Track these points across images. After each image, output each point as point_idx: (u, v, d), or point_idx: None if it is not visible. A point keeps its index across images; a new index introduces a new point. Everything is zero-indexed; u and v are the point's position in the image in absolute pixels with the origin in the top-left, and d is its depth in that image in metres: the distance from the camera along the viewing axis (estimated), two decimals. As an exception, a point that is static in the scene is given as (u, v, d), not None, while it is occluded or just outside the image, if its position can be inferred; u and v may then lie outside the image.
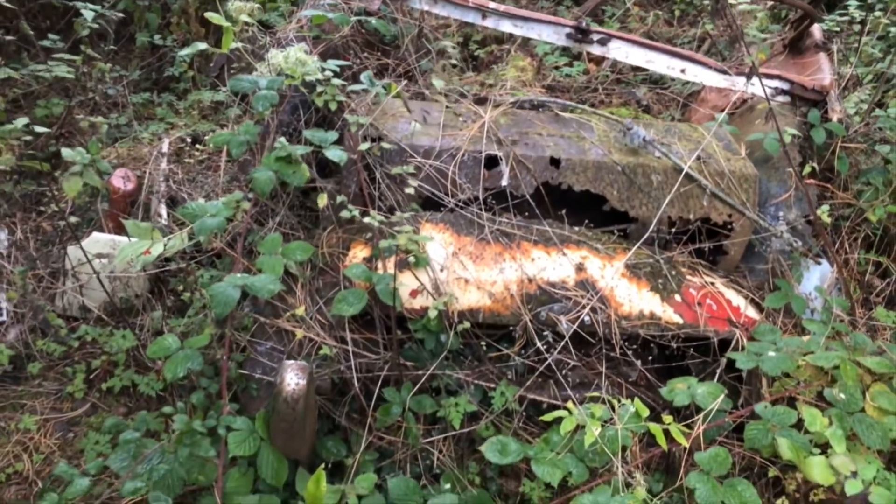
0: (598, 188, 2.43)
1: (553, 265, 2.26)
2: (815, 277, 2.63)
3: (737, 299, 2.48)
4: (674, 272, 2.40)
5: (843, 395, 2.08)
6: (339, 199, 2.19)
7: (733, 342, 2.33)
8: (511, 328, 2.23)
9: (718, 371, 2.32)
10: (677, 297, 2.34)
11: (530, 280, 2.23)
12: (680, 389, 2.11)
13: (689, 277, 2.43)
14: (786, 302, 2.47)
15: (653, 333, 2.29)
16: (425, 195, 2.32)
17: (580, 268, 2.27)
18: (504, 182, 2.34)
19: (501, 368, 2.26)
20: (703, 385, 2.11)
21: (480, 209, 2.29)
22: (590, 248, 2.33)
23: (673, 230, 2.47)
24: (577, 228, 2.41)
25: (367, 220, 2.03)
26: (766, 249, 2.56)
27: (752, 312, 2.47)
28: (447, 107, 2.64)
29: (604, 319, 2.24)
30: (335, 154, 2.14)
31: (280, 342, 2.16)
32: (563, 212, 2.37)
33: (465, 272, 2.21)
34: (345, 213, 2.15)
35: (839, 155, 2.90)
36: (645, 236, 2.37)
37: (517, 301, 2.22)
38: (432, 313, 2.15)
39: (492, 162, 2.40)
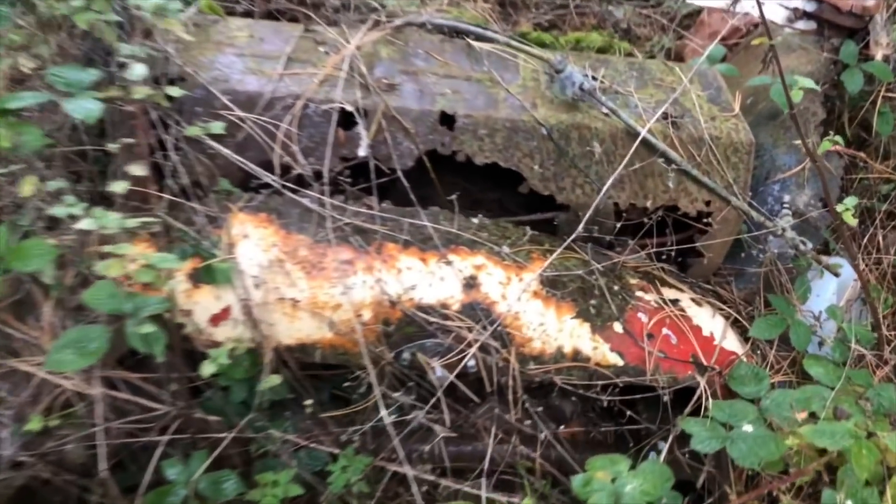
0: (511, 161, 1.67)
1: (430, 280, 1.54)
2: (829, 291, 1.89)
3: (709, 323, 1.75)
4: (616, 286, 1.67)
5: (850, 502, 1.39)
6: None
7: (696, 394, 1.63)
8: (360, 373, 1.54)
9: (668, 441, 1.63)
10: (617, 327, 1.62)
11: (393, 303, 1.51)
12: (600, 481, 1.42)
13: (639, 294, 1.70)
14: (781, 330, 1.74)
15: (574, 382, 1.58)
16: (242, 169, 1.58)
17: (471, 283, 1.55)
18: (362, 151, 1.59)
19: (349, 428, 1.59)
20: (638, 474, 1.42)
21: (323, 192, 1.55)
22: (489, 252, 1.60)
23: (620, 223, 1.72)
24: (474, 221, 1.67)
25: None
26: (760, 253, 1.81)
27: (731, 343, 1.75)
28: (306, 31, 1.85)
29: (501, 362, 1.54)
30: (79, 107, 1.39)
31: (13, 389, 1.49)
32: (455, 196, 1.62)
33: (293, 289, 1.50)
34: (116, 188, 1.43)
35: (881, 109, 2.08)
36: (576, 232, 1.62)
37: (371, 335, 1.51)
38: (237, 348, 1.46)
39: (351, 118, 1.64)
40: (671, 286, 1.78)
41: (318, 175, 1.57)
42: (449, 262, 1.55)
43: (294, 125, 1.59)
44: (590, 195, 1.69)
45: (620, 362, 1.61)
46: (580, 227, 1.61)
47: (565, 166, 1.67)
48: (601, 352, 1.60)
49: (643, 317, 1.66)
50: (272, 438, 1.54)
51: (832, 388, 1.64)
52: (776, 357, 1.78)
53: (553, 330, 1.58)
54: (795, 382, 1.75)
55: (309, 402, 1.51)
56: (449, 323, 1.52)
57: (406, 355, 1.51)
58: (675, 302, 1.73)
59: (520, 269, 1.60)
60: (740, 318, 1.83)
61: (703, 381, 1.62)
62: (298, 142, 1.60)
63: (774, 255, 1.80)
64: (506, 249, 1.61)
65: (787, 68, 1.93)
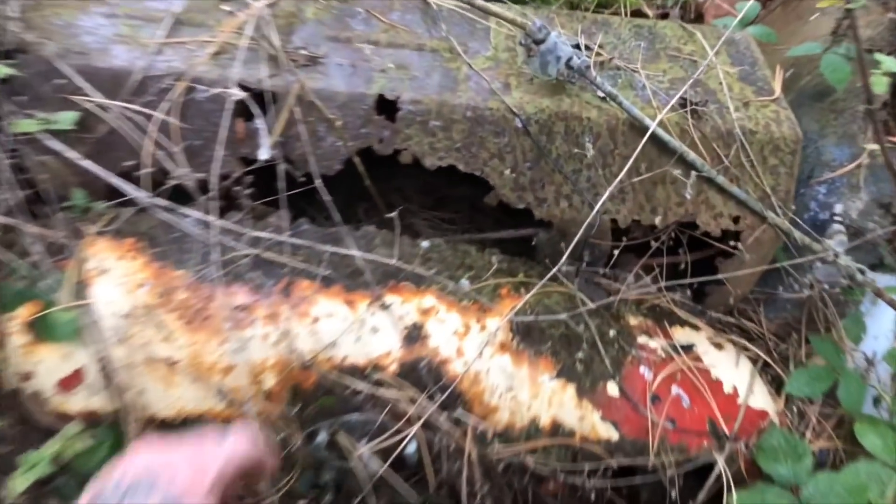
0: (475, 163, 1.24)
1: (358, 332, 1.13)
2: (887, 329, 1.48)
3: (732, 375, 1.35)
4: (612, 331, 1.27)
5: None
6: None
7: (713, 475, 1.24)
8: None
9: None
10: (612, 388, 1.22)
11: (306, 365, 1.11)
12: None
13: (641, 340, 1.30)
14: (827, 386, 1.34)
15: (554, 466, 1.20)
16: (102, 178, 1.16)
17: (415, 335, 1.15)
18: (263, 152, 1.16)
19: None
20: None
21: (209, 210, 1.14)
22: (442, 290, 1.19)
23: (621, 244, 1.31)
24: (423, 245, 1.25)
25: None
26: (799, 284, 1.39)
27: (760, 399, 1.36)
28: (209, -17, 1.40)
29: (452, 444, 1.15)
30: None
31: None
32: (397, 213, 1.21)
33: (168, 346, 1.10)
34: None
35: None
36: (562, 261, 1.21)
37: (275, 407, 1.12)
38: (95, 422, 1.08)
39: (255, 105, 1.21)
40: (684, 324, 1.38)
41: (204, 186, 1.15)
42: (385, 306, 1.14)
43: (175, 115, 1.17)
44: (579, 209, 1.27)
45: (615, 436, 1.22)
46: (566, 256, 1.20)
47: (547, 170, 1.25)
48: (589, 423, 1.21)
49: (646, 372, 1.26)
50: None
51: (894, 468, 1.26)
52: (818, 420, 1.38)
53: (525, 395, 1.18)
54: (843, 452, 1.36)
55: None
56: (383, 392, 1.12)
57: (322, 436, 1.12)
58: (688, 349, 1.33)
59: (483, 312, 1.19)
60: (771, 362, 1.43)
61: (721, 460, 1.23)
62: (181, 139, 1.17)
63: (820, 280, 1.39)
64: (465, 285, 1.20)
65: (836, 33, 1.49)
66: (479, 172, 1.24)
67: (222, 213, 1.15)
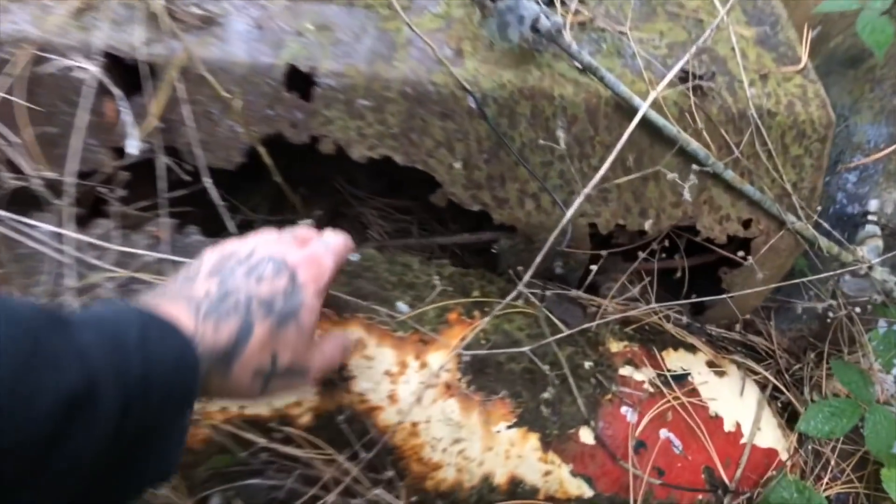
0: (416, 155, 0.98)
1: None
2: (923, 350, 1.24)
3: (734, 408, 1.12)
4: (589, 362, 1.02)
5: None
6: None
7: (710, 542, 1.02)
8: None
9: None
10: (586, 435, 0.99)
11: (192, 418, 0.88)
12: None
13: (624, 372, 1.05)
14: (851, 425, 1.10)
15: (510, 532, 0.97)
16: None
17: (333, 377, 0.90)
18: (132, 144, 0.89)
19: None
20: None
21: (62, 220, 0.88)
22: (369, 319, 0.94)
23: (604, 255, 1.05)
24: (351, 258, 1.00)
25: None
26: (820, 298, 1.14)
27: (768, 435, 1.12)
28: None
29: (382, 511, 0.92)
30: None
31: None
32: (313, 219, 0.95)
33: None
34: None
35: None
36: (525, 278, 0.95)
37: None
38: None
39: (131, 77, 0.93)
40: (678, 346, 1.13)
41: (56, 188, 0.89)
42: None
43: (19, 94, 0.90)
44: (549, 212, 1.01)
45: (588, 492, 0.99)
46: (530, 272, 0.94)
47: (508, 164, 0.98)
48: (557, 478, 0.98)
49: (630, 413, 1.02)
50: None
51: (929, 530, 1.03)
52: (841, 450, 1.15)
53: (476, 449, 0.95)
54: (864, 497, 1.14)
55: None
56: (291, 450, 0.88)
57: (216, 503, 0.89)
58: (682, 379, 1.09)
59: (424, 344, 0.94)
60: (782, 387, 1.20)
61: None
62: (28, 124, 0.91)
63: (848, 295, 1.14)
64: (402, 310, 0.95)
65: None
66: (421, 166, 0.98)
67: (85, 221, 0.90)
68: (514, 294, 0.96)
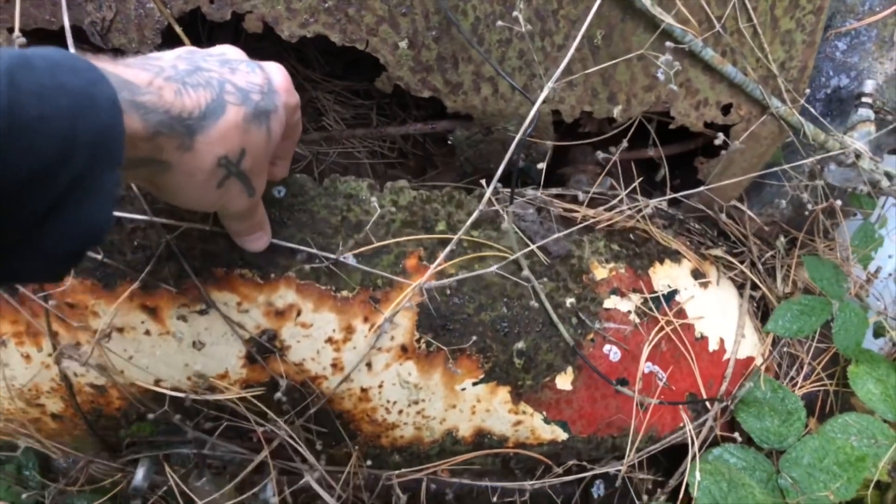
0: (354, 34, 0.86)
1: (167, 345, 0.80)
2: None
3: (718, 323, 1.06)
4: (571, 297, 0.95)
5: None
6: None
7: (689, 458, 1.00)
8: None
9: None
10: (563, 382, 0.93)
11: (100, 387, 0.82)
12: None
13: (609, 304, 0.97)
14: (819, 324, 1.06)
15: (475, 475, 0.95)
16: None
17: (262, 349, 0.82)
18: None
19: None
20: None
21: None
22: (306, 281, 0.84)
23: (563, 141, 0.96)
24: (276, 192, 0.89)
25: None
26: (799, 188, 1.06)
27: (748, 345, 1.08)
28: None
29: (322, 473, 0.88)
30: None
31: None
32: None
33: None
34: None
35: None
36: (496, 178, 0.86)
37: (71, 424, 0.85)
38: None
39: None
40: (664, 256, 1.05)
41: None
42: (205, 311, 0.81)
43: None
44: (508, 98, 0.91)
45: (563, 436, 0.96)
46: (492, 186, 0.85)
47: (461, 42, 0.87)
48: (528, 427, 0.94)
49: (613, 351, 0.96)
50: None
51: (892, 426, 1.02)
52: (814, 351, 1.12)
53: (438, 408, 0.90)
54: (832, 394, 1.12)
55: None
56: (224, 412, 0.83)
57: (140, 478, 0.84)
58: (670, 298, 1.02)
59: (374, 303, 0.84)
60: (757, 282, 1.14)
61: (693, 439, 0.98)
62: None
63: (833, 184, 1.06)
64: (348, 261, 0.84)
65: None
66: (361, 46, 0.87)
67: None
68: (473, 217, 0.85)
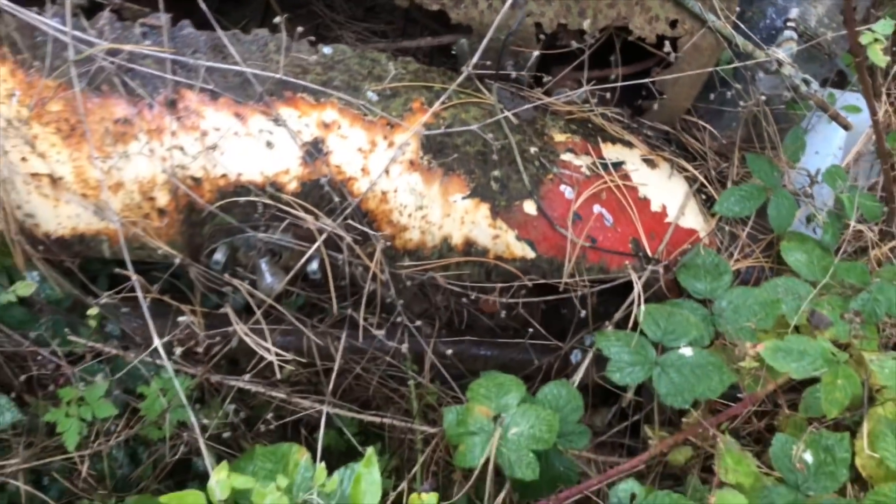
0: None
1: (252, 147, 1.07)
2: (834, 146, 1.42)
3: (662, 193, 1.31)
4: (534, 148, 1.20)
5: (809, 457, 1.06)
6: None
7: (633, 295, 1.24)
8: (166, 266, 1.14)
9: (584, 359, 1.27)
10: (529, 207, 1.18)
11: (197, 179, 1.06)
12: (477, 420, 1.08)
13: (565, 157, 1.24)
14: (758, 204, 1.30)
15: (462, 283, 1.19)
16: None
17: (315, 151, 1.08)
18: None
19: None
20: (530, 411, 1.08)
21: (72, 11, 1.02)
22: (345, 103, 1.10)
23: (545, 53, 1.20)
24: (325, 52, 1.15)
25: None
26: (741, 97, 1.30)
27: (691, 219, 1.33)
28: None
29: (355, 258, 1.12)
30: None
31: None
32: (283, 18, 1.09)
33: (46, 161, 1.04)
34: None
35: None
36: (470, 63, 1.11)
37: (170, 226, 1.09)
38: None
39: None
40: (615, 141, 1.31)
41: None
42: (278, 121, 1.07)
43: None
44: (500, 11, 1.15)
45: (531, 254, 1.20)
46: (476, 56, 1.10)
47: (462, -36, 1.12)
48: (504, 241, 1.18)
49: (568, 190, 1.22)
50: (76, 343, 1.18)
51: (813, 285, 1.25)
52: (750, 236, 1.36)
53: (437, 215, 1.14)
54: (769, 271, 1.36)
55: (93, 310, 1.13)
56: (285, 208, 1.08)
57: (220, 254, 1.09)
58: (617, 166, 1.27)
59: (391, 128, 1.12)
60: (706, 183, 1.39)
61: (636, 276, 1.22)
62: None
63: (762, 96, 1.30)
64: (371, 97, 1.12)
65: None
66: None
67: (90, 13, 1.04)
68: (463, 77, 1.11)
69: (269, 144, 1.07)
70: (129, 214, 1.08)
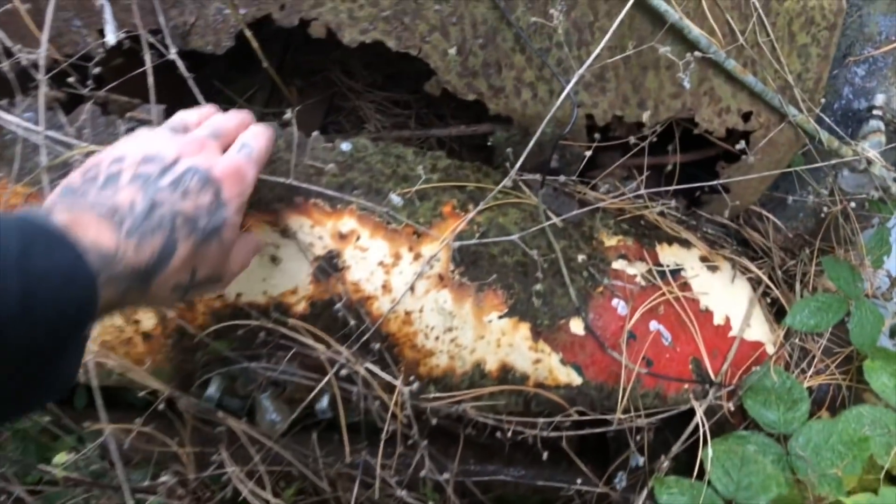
0: (410, 40, 0.95)
1: (254, 263, 0.91)
2: (918, 248, 1.24)
3: (725, 302, 1.14)
4: (582, 255, 1.03)
5: None
6: None
7: (692, 424, 1.06)
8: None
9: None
10: (577, 326, 1.01)
11: (189, 302, 0.90)
12: None
13: (617, 265, 1.07)
14: (837, 319, 1.13)
15: (499, 415, 1.01)
16: None
17: (329, 267, 0.92)
18: (109, 30, 0.87)
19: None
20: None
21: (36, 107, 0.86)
22: (363, 211, 0.94)
23: (596, 143, 1.04)
24: (343, 149, 0.99)
25: None
26: (818, 193, 1.13)
27: (757, 330, 1.15)
28: None
29: (373, 394, 0.95)
30: None
31: None
32: (293, 112, 0.93)
33: None
34: None
35: None
36: (521, 160, 0.95)
37: (157, 352, 0.92)
38: None
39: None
40: (672, 241, 1.14)
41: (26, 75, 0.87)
42: (286, 232, 0.91)
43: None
44: (546, 101, 0.99)
45: (577, 380, 1.03)
46: (521, 160, 0.94)
47: (504, 50, 0.96)
48: (546, 366, 1.01)
49: (621, 305, 1.04)
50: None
51: (905, 417, 1.08)
52: (827, 348, 1.18)
53: (468, 338, 0.97)
54: (846, 389, 1.18)
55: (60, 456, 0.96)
56: (291, 334, 0.91)
57: (213, 390, 0.93)
58: (675, 273, 1.10)
59: (417, 237, 0.95)
60: (772, 285, 1.21)
61: (698, 406, 1.05)
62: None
63: (847, 191, 1.13)
64: (396, 202, 0.95)
65: None
66: (415, 51, 0.96)
67: (70, 107, 0.89)
68: (507, 180, 0.96)
69: (274, 260, 0.91)
70: (109, 339, 0.92)
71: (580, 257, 1.04)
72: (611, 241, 1.09)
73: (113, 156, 0.68)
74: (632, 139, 1.03)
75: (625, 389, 1.04)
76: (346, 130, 1.36)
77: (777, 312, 1.25)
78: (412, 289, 0.94)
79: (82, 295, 0.55)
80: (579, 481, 1.21)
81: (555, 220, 1.00)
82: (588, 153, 1.01)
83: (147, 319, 0.92)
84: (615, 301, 1.05)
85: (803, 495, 1.03)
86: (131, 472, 1.08)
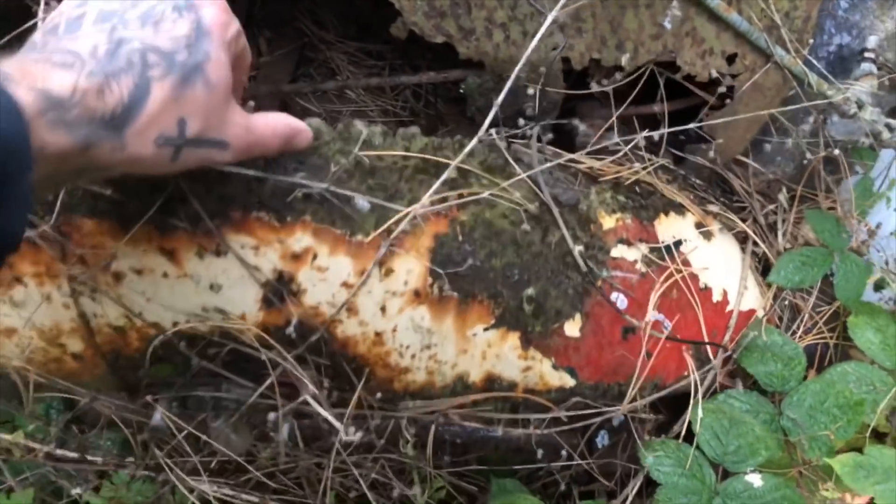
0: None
1: (186, 287, 0.82)
2: (906, 202, 1.20)
3: (721, 275, 1.08)
4: (580, 245, 0.96)
5: None
6: None
7: (692, 405, 1.03)
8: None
9: (633, 487, 1.05)
10: (571, 328, 0.94)
11: (120, 329, 0.83)
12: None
13: (616, 253, 0.99)
14: (821, 275, 1.09)
15: (482, 416, 0.97)
16: None
17: (279, 292, 0.82)
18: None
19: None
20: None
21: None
22: (320, 222, 0.82)
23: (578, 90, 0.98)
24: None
25: None
26: (801, 142, 1.08)
27: (750, 298, 1.10)
28: None
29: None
30: None
31: None
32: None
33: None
34: None
35: None
36: (490, 116, 0.89)
37: (91, 365, 0.88)
38: None
39: None
40: (668, 211, 1.06)
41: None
42: (221, 253, 0.80)
43: None
44: (519, 44, 0.94)
45: (570, 382, 0.97)
46: (489, 117, 0.87)
47: (472, -15, 0.90)
48: (537, 373, 0.96)
49: (620, 299, 0.98)
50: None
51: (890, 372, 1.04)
52: (814, 304, 1.14)
53: (450, 353, 0.91)
54: (833, 348, 1.14)
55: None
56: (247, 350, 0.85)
57: (158, 419, 0.86)
58: (676, 247, 1.03)
59: (389, 248, 0.83)
60: (758, 239, 1.17)
61: (695, 376, 1.01)
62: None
63: (836, 138, 1.08)
64: (363, 206, 0.81)
65: None
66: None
67: None
68: (475, 140, 0.88)
69: (213, 287, 0.82)
70: (34, 356, 0.87)
71: (577, 248, 0.93)
72: (609, 223, 0.99)
73: (76, 2, 0.60)
74: (612, 86, 0.98)
75: (624, 385, 0.99)
76: (318, 82, 1.30)
77: (763, 268, 1.21)
78: (383, 309, 0.85)
79: (8, 136, 0.47)
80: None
81: (555, 212, 0.92)
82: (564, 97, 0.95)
83: (73, 343, 0.85)
84: (615, 295, 0.97)
85: (792, 458, 1.01)
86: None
